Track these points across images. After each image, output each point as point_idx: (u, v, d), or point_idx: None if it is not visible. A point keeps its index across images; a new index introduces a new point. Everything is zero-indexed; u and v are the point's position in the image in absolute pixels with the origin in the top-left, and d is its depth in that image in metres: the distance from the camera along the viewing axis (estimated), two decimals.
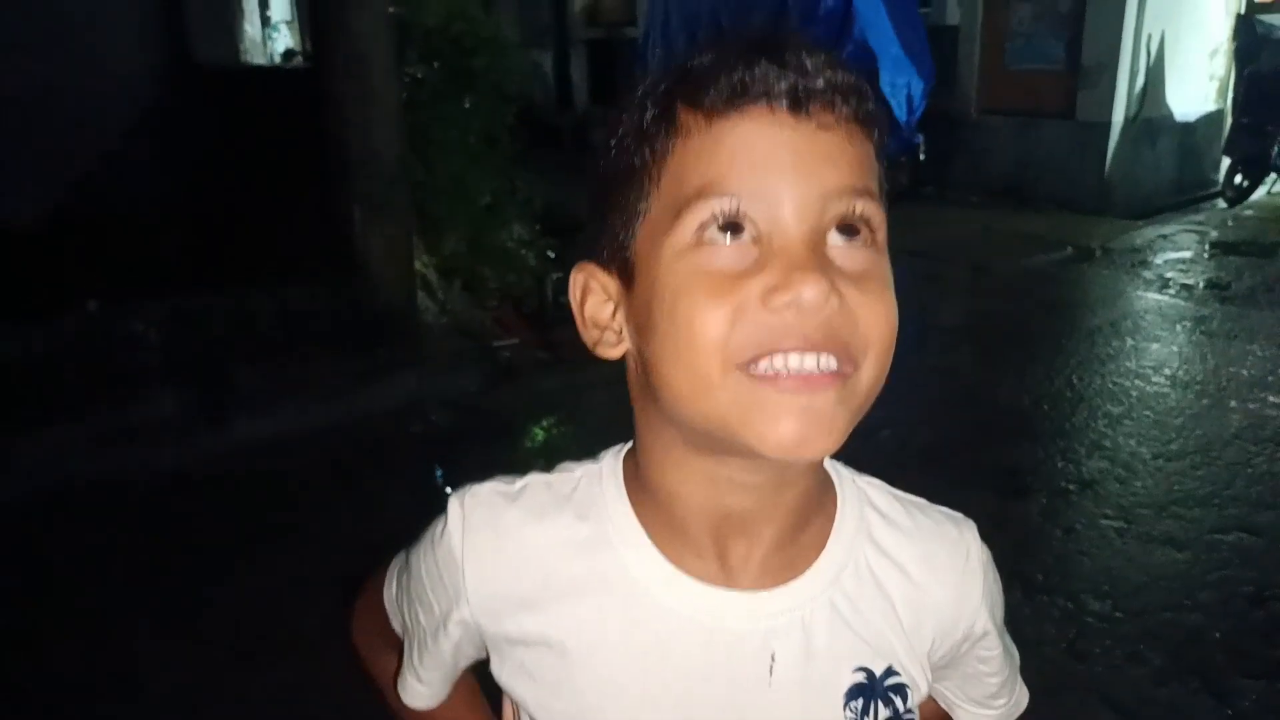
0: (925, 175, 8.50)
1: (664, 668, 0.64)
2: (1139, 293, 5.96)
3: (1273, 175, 8.09)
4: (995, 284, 6.34)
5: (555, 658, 0.65)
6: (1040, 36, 8.26)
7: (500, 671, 0.69)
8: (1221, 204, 8.37)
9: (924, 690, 0.70)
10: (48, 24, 4.99)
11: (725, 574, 0.64)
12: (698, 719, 0.65)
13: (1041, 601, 2.72)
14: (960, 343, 5.14)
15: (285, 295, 4.28)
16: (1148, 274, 6.37)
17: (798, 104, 0.55)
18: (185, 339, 4.01)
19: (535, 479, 0.70)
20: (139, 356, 3.89)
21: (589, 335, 0.65)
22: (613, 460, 0.70)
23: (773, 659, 0.64)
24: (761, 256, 0.54)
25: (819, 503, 0.68)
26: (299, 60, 7.60)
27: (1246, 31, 8.18)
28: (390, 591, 0.77)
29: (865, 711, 0.67)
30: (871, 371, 0.57)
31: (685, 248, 0.55)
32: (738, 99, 0.55)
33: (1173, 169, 8.56)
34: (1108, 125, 7.86)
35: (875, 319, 0.56)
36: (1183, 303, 5.73)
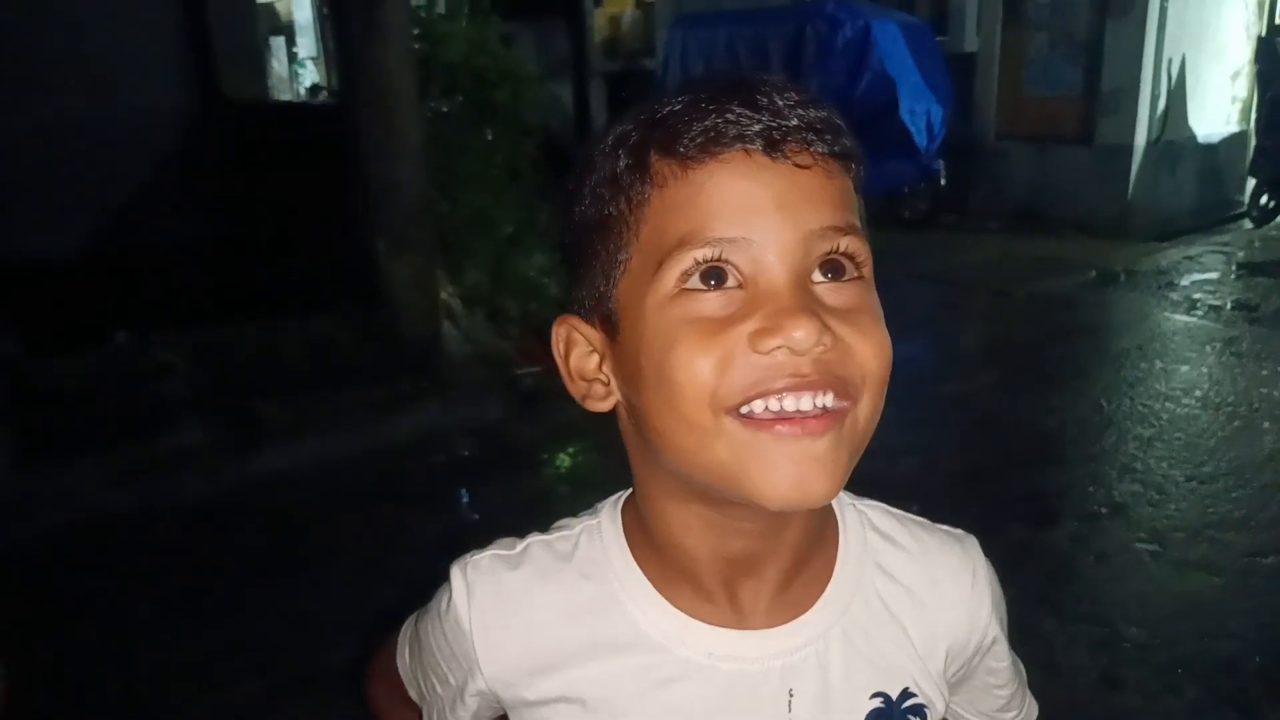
0: (945, 201, 8.49)
1: (685, 718, 0.64)
2: (1166, 315, 5.90)
3: None
4: (1017, 309, 6.30)
5: (578, 712, 0.65)
6: (1058, 62, 8.27)
7: None
8: (1247, 224, 8.30)
9: (941, 710, 0.69)
10: (80, 62, 5.11)
11: (737, 616, 0.64)
12: None
13: (1075, 629, 2.67)
14: (983, 368, 5.09)
15: (311, 327, 4.33)
16: (1174, 296, 6.30)
17: (773, 145, 0.54)
18: (212, 371, 4.06)
19: (535, 540, 0.69)
20: (166, 389, 3.93)
21: (576, 389, 0.64)
22: (611, 512, 0.69)
23: (790, 695, 0.64)
24: (747, 301, 0.54)
25: (821, 534, 0.67)
26: (325, 95, 7.73)
27: (1268, 54, 8.16)
28: (403, 661, 0.77)
29: None
30: (869, 405, 0.57)
31: (669, 297, 0.55)
32: (712, 145, 0.54)
33: (1195, 191, 8.51)
34: (1129, 149, 7.84)
35: (869, 351, 0.55)
36: (1211, 324, 5.66)
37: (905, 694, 0.67)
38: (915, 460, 3.54)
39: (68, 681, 2.54)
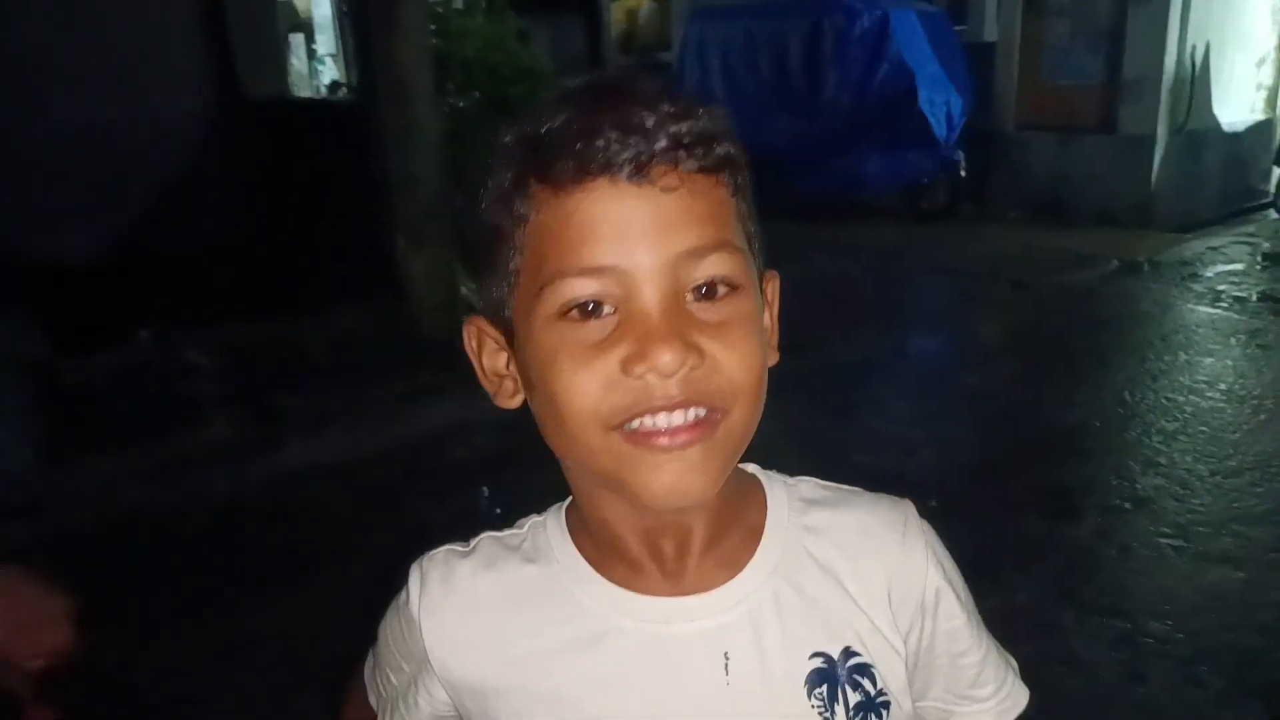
0: (964, 192, 8.43)
1: (627, 687, 0.65)
2: (1190, 306, 5.84)
3: None
4: (1038, 301, 6.24)
5: (521, 688, 0.67)
6: (1078, 51, 8.17)
7: None
8: (1273, 214, 8.20)
9: (899, 670, 0.68)
10: (101, 62, 5.16)
11: (671, 584, 0.66)
12: None
13: (1097, 622, 2.66)
14: (1003, 361, 5.05)
15: (332, 322, 4.36)
16: (1198, 287, 6.23)
17: (639, 170, 0.55)
18: (235, 367, 4.10)
19: (487, 535, 0.73)
20: (191, 386, 3.98)
21: (489, 385, 0.68)
22: (557, 510, 0.73)
23: (726, 657, 0.65)
24: (621, 325, 0.56)
25: (744, 502, 0.69)
26: (344, 92, 7.77)
27: None
28: (368, 670, 0.80)
29: (832, 698, 0.66)
30: (741, 413, 0.59)
31: (550, 318, 0.58)
32: (580, 175, 0.56)
33: (1219, 180, 8.40)
34: (1152, 138, 7.74)
35: (736, 365, 0.58)
36: (1236, 316, 5.60)
37: (848, 653, 0.67)
38: (934, 453, 3.53)
39: (95, 673, 2.57)
